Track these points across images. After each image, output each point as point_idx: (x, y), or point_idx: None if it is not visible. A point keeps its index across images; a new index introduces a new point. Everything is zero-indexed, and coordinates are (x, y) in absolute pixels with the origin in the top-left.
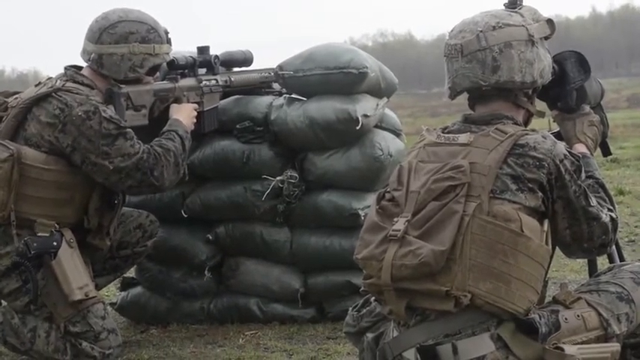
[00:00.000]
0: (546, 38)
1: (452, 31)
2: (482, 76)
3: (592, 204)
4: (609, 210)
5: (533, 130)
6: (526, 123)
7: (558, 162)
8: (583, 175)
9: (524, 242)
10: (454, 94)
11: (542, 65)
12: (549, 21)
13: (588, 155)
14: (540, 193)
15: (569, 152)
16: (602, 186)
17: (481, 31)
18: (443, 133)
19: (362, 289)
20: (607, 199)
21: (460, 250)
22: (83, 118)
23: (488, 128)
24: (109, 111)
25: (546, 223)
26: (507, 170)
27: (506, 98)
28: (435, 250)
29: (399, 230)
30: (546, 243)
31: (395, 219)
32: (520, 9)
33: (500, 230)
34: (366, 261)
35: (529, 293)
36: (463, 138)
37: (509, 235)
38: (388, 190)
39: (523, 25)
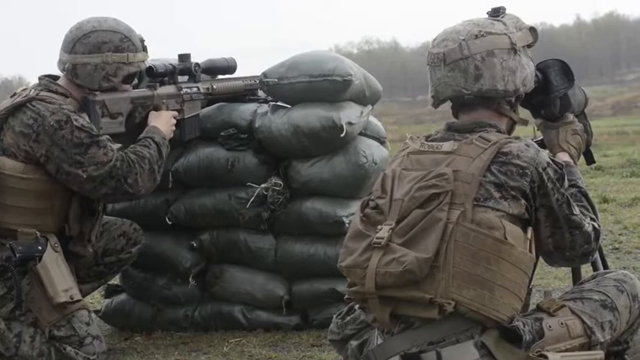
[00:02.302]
0: (529, 46)
1: (434, 39)
2: (465, 85)
3: (575, 212)
4: (592, 219)
5: (516, 138)
6: (509, 131)
7: (541, 170)
8: (566, 183)
9: (508, 250)
10: (437, 102)
11: (524, 73)
12: (532, 29)
13: (572, 164)
14: (524, 201)
15: (553, 160)
16: (585, 195)
17: (463, 40)
18: (427, 141)
19: (346, 296)
20: (590, 208)
21: (444, 257)
22: (55, 128)
23: (472, 136)
24: (82, 120)
25: (530, 230)
26: (491, 178)
27: (488, 106)
28: (419, 257)
29: (383, 238)
30: (530, 251)
31: (379, 227)
32: (503, 17)
33: (483, 238)
34: (350, 269)
35: (513, 300)
36: (447, 146)
37: (492, 243)
38: (372, 197)
39: (505, 34)
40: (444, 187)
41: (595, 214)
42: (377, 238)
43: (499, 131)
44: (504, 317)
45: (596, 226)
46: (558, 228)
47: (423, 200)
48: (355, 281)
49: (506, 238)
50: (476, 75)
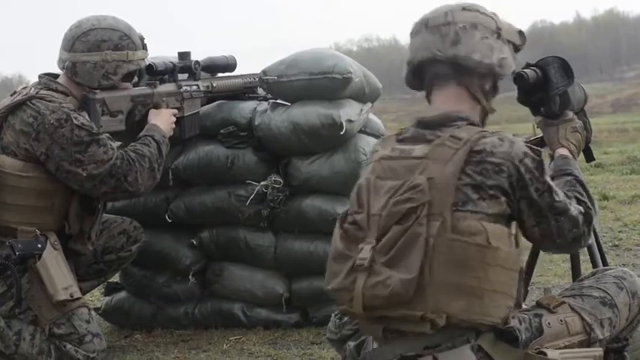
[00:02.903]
0: (515, 49)
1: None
2: (441, 48)
3: (557, 199)
4: (580, 202)
5: (492, 132)
6: (482, 121)
7: (518, 163)
8: (546, 170)
9: (493, 253)
10: (411, 71)
11: (503, 56)
12: (521, 32)
13: (569, 156)
14: (503, 198)
15: (530, 148)
16: (580, 182)
17: (450, 10)
18: (397, 142)
19: (336, 312)
20: (584, 194)
21: (429, 273)
22: (55, 126)
23: (443, 134)
24: (82, 118)
25: (514, 225)
26: (467, 180)
27: (461, 82)
28: (403, 279)
29: (366, 259)
30: (517, 245)
31: (360, 245)
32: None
33: (466, 246)
34: (336, 292)
35: (504, 301)
36: (418, 151)
37: (476, 250)
38: (349, 211)
39: (493, 19)
40: (420, 200)
41: (590, 200)
42: (359, 259)
43: (471, 123)
44: (497, 320)
45: (584, 209)
46: (543, 217)
47: (400, 215)
48: (343, 303)
49: (489, 242)
50: (454, 40)
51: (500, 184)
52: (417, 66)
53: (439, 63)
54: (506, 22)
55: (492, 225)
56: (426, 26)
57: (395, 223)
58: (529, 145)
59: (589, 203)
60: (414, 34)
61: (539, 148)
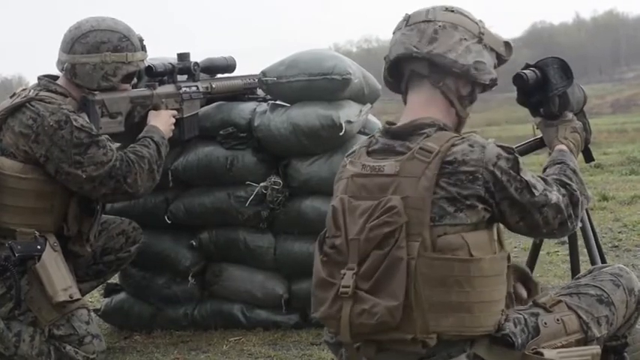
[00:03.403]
0: (500, 61)
1: None
2: (417, 44)
3: (537, 193)
4: (564, 186)
5: (461, 138)
6: (457, 128)
7: (492, 167)
8: (521, 166)
9: (476, 265)
10: (388, 65)
11: (481, 60)
12: (507, 43)
13: (566, 150)
14: (481, 205)
15: (501, 147)
16: (572, 170)
17: (433, 9)
18: (368, 155)
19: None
20: (572, 178)
21: (414, 295)
22: (55, 128)
23: (413, 145)
24: (81, 119)
25: (495, 228)
26: (441, 194)
27: (435, 82)
28: (389, 307)
29: (349, 286)
30: (501, 247)
31: (342, 271)
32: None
33: (449, 263)
34: (324, 320)
35: (494, 308)
36: (389, 168)
37: (459, 265)
38: (327, 235)
39: (476, 23)
40: (397, 222)
41: (581, 184)
42: (343, 287)
43: (440, 128)
44: (490, 328)
45: (566, 192)
46: (527, 212)
47: (378, 240)
48: (332, 329)
49: (472, 255)
50: (431, 37)
51: (476, 193)
52: (394, 62)
53: (415, 60)
54: (493, 32)
55: (473, 234)
56: (406, 23)
57: (374, 248)
58: (500, 144)
59: (575, 185)
60: (395, 30)
61: (510, 145)
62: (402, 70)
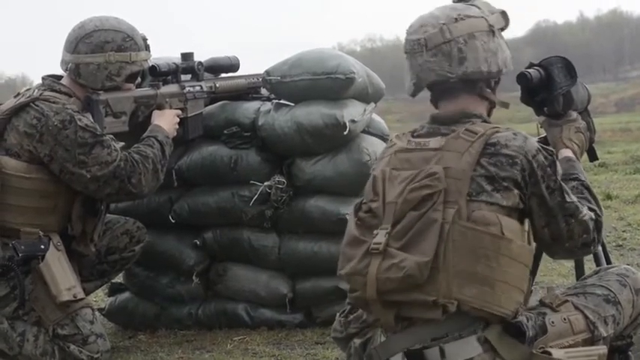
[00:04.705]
0: (502, 30)
1: (411, 27)
2: (450, 69)
3: (568, 200)
4: (591, 210)
5: (506, 128)
6: (489, 114)
7: (531, 158)
8: (558, 169)
9: (506, 245)
10: (418, 89)
11: (504, 55)
12: (503, 13)
13: (574, 159)
14: (516, 191)
15: (542, 147)
16: (587, 187)
17: (444, 24)
18: (413, 137)
19: (348, 301)
20: (592, 200)
21: (443, 258)
22: (59, 128)
23: (458, 129)
24: (85, 119)
25: (527, 222)
26: (481, 171)
27: (470, 91)
28: (418, 261)
29: (381, 243)
30: (529, 242)
31: (375, 231)
32: (474, 2)
33: (481, 235)
34: (350, 276)
35: (515, 294)
36: (434, 142)
37: (490, 239)
38: (364, 201)
39: (482, 17)
40: (436, 187)
41: (598, 205)
42: (374, 243)
43: (485, 121)
44: (508, 312)
45: (595, 216)
46: (552, 217)
47: (416, 202)
48: (356, 288)
49: (503, 233)
50: (460, 58)
51: (513, 177)
52: (424, 87)
53: (449, 80)
54: (487, 6)
55: (506, 218)
56: (426, 47)
57: (411, 209)
58: (542, 145)
59: (598, 210)
60: (410, 53)
61: (552, 149)
62: (432, 89)
